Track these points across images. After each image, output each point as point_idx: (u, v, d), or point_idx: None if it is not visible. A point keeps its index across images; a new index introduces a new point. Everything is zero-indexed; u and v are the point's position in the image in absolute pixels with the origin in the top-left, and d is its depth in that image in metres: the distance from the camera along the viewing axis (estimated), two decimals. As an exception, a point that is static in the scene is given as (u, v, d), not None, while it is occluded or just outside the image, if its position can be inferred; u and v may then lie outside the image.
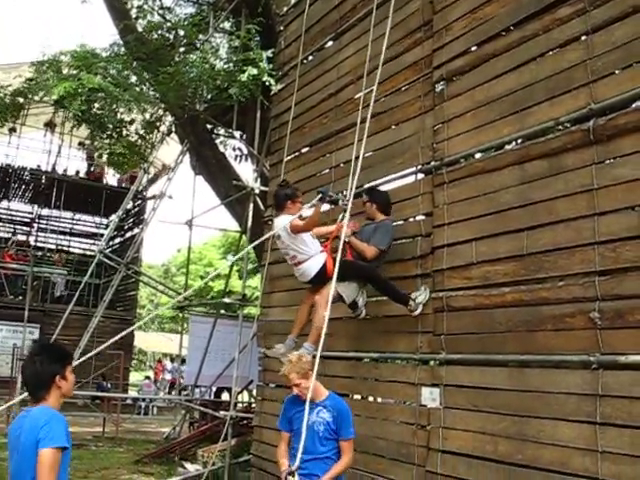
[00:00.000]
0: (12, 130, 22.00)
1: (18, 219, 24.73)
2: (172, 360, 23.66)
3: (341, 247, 4.83)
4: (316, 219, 5.55)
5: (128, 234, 24.92)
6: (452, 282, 5.54)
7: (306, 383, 4.40)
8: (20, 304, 19.45)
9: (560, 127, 4.81)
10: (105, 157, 12.33)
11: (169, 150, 15.88)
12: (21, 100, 10.15)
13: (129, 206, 24.22)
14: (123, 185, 23.23)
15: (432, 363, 5.64)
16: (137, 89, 9.13)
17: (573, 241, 4.55)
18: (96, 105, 8.77)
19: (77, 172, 23.52)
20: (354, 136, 6.63)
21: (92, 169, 23.11)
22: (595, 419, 4.22)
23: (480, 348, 5.18)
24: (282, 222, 5.61)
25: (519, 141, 5.19)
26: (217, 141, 12.05)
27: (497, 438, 4.90)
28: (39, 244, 24.14)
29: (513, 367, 4.94)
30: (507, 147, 5.31)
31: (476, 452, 5.05)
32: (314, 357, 4.91)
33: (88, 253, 24.22)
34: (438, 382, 5.52)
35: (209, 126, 11.83)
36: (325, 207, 6.36)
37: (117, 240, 25.74)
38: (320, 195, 5.42)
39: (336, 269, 4.67)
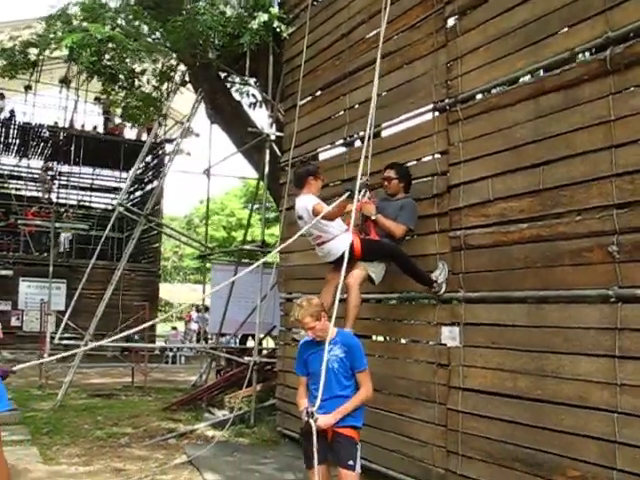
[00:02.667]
0: (28, 88, 21.98)
1: (37, 177, 24.88)
2: (198, 310, 23.94)
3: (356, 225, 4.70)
4: (339, 212, 5.36)
5: (148, 187, 25.02)
6: (469, 220, 5.50)
7: (320, 325, 4.44)
8: (46, 261, 19.73)
9: (576, 58, 4.67)
10: (120, 110, 12.23)
11: (186, 101, 15.78)
12: (32, 53, 10.03)
13: (148, 159, 24.33)
14: (141, 138, 23.18)
15: (451, 302, 5.64)
16: (148, 39, 9.02)
17: (590, 174, 4.47)
18: (106, 56, 8.68)
19: (94, 127, 23.49)
20: (367, 77, 6.58)
21: (109, 123, 23.02)
22: (614, 353, 4.21)
23: (498, 285, 5.18)
24: (304, 203, 5.50)
25: (534, 75, 5.06)
26: (231, 89, 11.90)
27: (516, 374, 4.93)
28: (61, 200, 24.27)
29: (531, 303, 4.93)
30: (522, 81, 5.17)
31: (496, 389, 5.10)
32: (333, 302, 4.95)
33: (109, 207, 24.36)
34: (457, 321, 5.54)
35: (223, 74, 11.68)
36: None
37: (138, 193, 25.91)
38: (348, 192, 5.22)
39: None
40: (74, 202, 24.72)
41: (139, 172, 25.69)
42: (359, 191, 5.18)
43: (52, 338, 12.38)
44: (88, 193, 25.69)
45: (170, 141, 22.74)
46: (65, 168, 24.41)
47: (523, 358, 4.88)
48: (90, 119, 23.93)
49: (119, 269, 12.20)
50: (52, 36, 8.73)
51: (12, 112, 22.34)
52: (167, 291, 31.64)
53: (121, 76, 9.43)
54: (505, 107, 5.21)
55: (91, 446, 8.19)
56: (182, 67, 11.42)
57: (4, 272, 19.83)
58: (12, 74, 10.17)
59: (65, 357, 10.20)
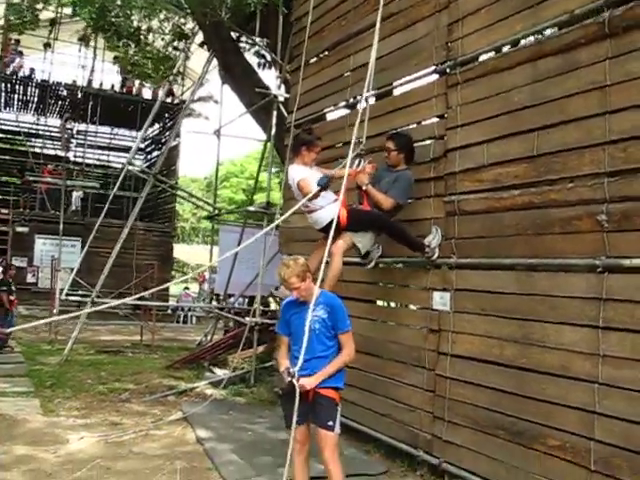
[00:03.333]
0: (47, 45, 21.97)
1: (55, 135, 24.98)
2: (213, 271, 24.09)
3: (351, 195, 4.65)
4: (315, 198, 5.27)
5: (165, 147, 24.99)
6: (464, 185, 5.42)
7: (305, 285, 4.42)
8: (64, 219, 19.92)
9: (575, 21, 4.52)
10: (129, 67, 12.17)
11: (202, 62, 15.69)
12: (49, 9, 9.92)
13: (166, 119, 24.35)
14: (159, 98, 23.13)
15: (443, 267, 5.59)
16: (157, -5, 8.90)
17: (583, 141, 4.37)
18: (112, 13, 8.59)
19: (112, 86, 23.44)
20: (370, 38, 6.44)
21: (126, 82, 22.96)
22: (598, 323, 4.16)
23: (489, 252, 5.12)
24: (293, 174, 5.50)
25: (532, 38, 4.92)
26: (242, 49, 11.80)
27: (503, 342, 4.91)
28: (78, 159, 24.39)
29: (521, 271, 4.87)
30: (521, 44, 5.04)
31: (483, 356, 5.08)
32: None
33: (115, 166, 24.38)
34: (448, 286, 5.51)
35: (235, 34, 11.56)
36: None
37: (155, 154, 25.94)
38: (319, 188, 5.13)
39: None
40: (90, 161, 24.83)
41: (156, 133, 25.76)
42: (353, 160, 5.22)
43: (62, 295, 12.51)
44: (105, 152, 25.76)
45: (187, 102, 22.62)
46: (83, 127, 24.47)
47: (511, 326, 4.84)
48: (109, 78, 23.92)
49: (127, 227, 12.20)
50: (55, -10, 8.64)
51: (32, 70, 22.34)
52: (184, 252, 31.89)
53: (124, 32, 9.33)
54: (503, 71, 5.10)
55: (92, 400, 8.35)
56: (193, 26, 11.29)
57: (20, 229, 20.07)
58: (21, 30, 10.12)
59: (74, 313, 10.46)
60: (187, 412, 7.58)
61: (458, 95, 5.54)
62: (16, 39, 20.65)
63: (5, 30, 19.60)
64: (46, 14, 15.41)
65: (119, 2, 8.15)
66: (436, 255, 5.55)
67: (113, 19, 8.71)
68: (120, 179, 12.89)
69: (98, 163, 25.40)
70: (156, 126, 25.48)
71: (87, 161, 24.73)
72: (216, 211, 14.04)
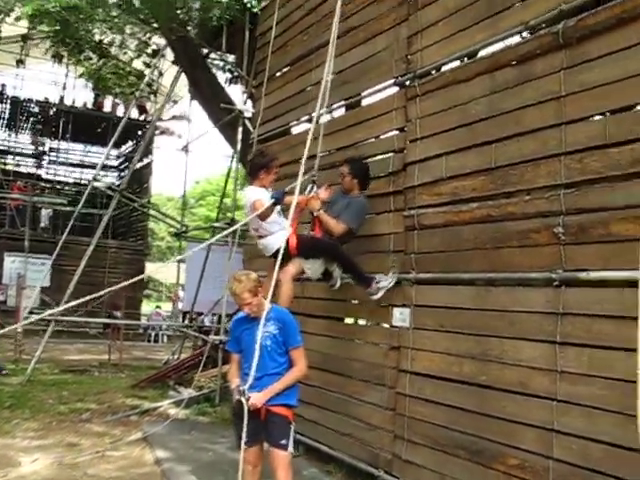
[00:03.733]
0: (19, 62, 21.74)
1: (27, 152, 24.65)
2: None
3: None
4: (268, 214, 5.16)
5: (138, 165, 24.78)
6: (423, 199, 5.33)
7: (257, 300, 4.30)
8: (32, 236, 19.60)
9: (531, 32, 4.48)
10: (93, 82, 12.02)
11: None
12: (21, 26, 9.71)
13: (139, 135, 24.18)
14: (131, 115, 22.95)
15: (403, 283, 5.47)
16: (120, 9, 8.75)
17: (539, 152, 4.29)
18: (72, 26, 8.41)
19: (85, 103, 23.24)
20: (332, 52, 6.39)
21: (98, 99, 22.77)
22: (555, 338, 4.06)
23: (448, 267, 5.02)
24: (248, 195, 5.36)
25: (490, 49, 4.87)
26: (211, 65, 11.70)
27: (462, 359, 4.79)
28: (49, 176, 24.09)
29: (480, 286, 4.77)
30: (479, 55, 4.99)
31: (442, 373, 4.96)
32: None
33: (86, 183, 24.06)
34: (408, 302, 5.39)
35: (204, 50, 11.47)
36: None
37: (127, 171, 25.70)
38: (273, 200, 5.04)
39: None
40: (63, 178, 24.54)
41: (129, 150, 25.56)
42: (306, 186, 5.24)
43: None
44: (78, 170, 25.47)
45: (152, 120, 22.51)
46: (54, 144, 24.17)
47: (469, 342, 4.73)
48: (82, 95, 23.70)
49: (92, 244, 11.96)
50: (7, 4, 8.43)
51: (2, 86, 22.09)
52: (160, 271, 31.48)
53: (86, 46, 9.18)
54: (461, 82, 5.03)
55: (51, 421, 8.10)
56: (165, 44, 11.18)
57: (-12, 247, 19.71)
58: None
59: (40, 332, 10.21)
60: (147, 432, 7.36)
61: (417, 108, 5.46)
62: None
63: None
64: (18, 30, 15.29)
65: (80, 15, 7.99)
66: (378, 296, 5.41)
67: (74, 32, 8.55)
68: (85, 195, 12.67)
69: (70, 181, 25.07)
70: (130, 143, 25.31)
71: (59, 178, 24.41)
72: (183, 228, 13.86)
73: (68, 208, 20.78)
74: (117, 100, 22.45)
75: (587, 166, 3.97)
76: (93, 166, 26.09)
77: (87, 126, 22.47)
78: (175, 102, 18.22)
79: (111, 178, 27.54)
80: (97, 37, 9.17)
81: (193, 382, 9.86)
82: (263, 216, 5.13)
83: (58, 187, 23.30)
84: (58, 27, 7.91)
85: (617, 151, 3.79)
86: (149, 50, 11.28)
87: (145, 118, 23.51)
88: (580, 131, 4.03)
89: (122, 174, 26.85)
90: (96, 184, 12.34)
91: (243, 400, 4.11)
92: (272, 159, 5.53)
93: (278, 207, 5.32)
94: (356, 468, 5.80)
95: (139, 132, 23.97)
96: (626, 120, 3.83)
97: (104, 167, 25.93)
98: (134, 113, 23.04)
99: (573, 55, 4.10)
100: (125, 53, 10.60)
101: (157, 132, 21.99)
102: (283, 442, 4.28)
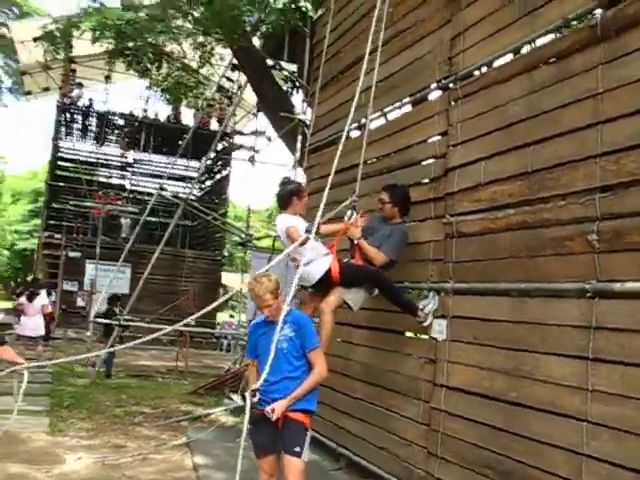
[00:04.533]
0: (107, 77, 22.72)
1: (114, 164, 25.65)
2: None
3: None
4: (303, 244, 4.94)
5: (217, 176, 25.42)
6: (462, 205, 5.10)
7: (276, 303, 4.20)
8: (111, 244, 20.30)
9: (568, 26, 4.22)
10: (160, 91, 12.34)
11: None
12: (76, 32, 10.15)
13: (219, 147, 24.74)
14: (209, 128, 23.55)
15: (442, 294, 5.25)
16: (181, 19, 8.95)
17: (576, 154, 4.01)
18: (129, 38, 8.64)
19: (168, 117, 24.01)
20: (381, 58, 6.29)
21: (176, 112, 23.46)
22: (587, 354, 3.75)
23: (484, 276, 4.77)
24: (282, 223, 5.21)
25: (529, 47, 4.62)
26: (276, 75, 11.79)
27: (494, 373, 4.52)
28: (133, 187, 24.99)
29: (514, 296, 4.48)
30: (519, 54, 4.74)
31: (475, 388, 4.71)
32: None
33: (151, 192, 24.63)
34: (445, 314, 5.16)
35: (270, 61, 11.58)
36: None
37: (208, 182, 26.40)
38: (306, 234, 4.85)
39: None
40: (146, 189, 25.37)
41: (209, 162, 26.20)
42: (345, 212, 5.17)
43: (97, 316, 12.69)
44: (158, 180, 26.22)
45: (240, 133, 22.95)
46: (138, 156, 25.04)
47: (501, 356, 4.46)
48: (164, 108, 24.50)
49: (156, 252, 12.23)
50: (75, 20, 8.78)
51: (91, 100, 23.12)
52: (236, 280, 31.98)
53: (144, 57, 9.41)
54: (500, 83, 4.80)
55: (105, 422, 8.29)
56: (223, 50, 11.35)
57: (73, 254, 20.54)
58: (54, 54, 10.40)
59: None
60: (191, 438, 7.38)
61: (459, 111, 5.25)
62: (72, 69, 21.40)
63: (65, 62, 20.40)
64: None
65: (136, 27, 8.21)
66: (428, 322, 5.22)
67: (130, 44, 8.80)
68: (150, 205, 13.02)
69: (152, 191, 25.89)
70: (211, 155, 25.93)
71: (141, 189, 25.27)
72: (247, 237, 14.01)
73: (148, 218, 21.45)
74: (198, 113, 23.10)
75: (623, 167, 3.67)
76: (174, 177, 26.89)
77: (168, 138, 23.16)
78: (255, 115, 18.55)
79: (194, 190, 28.31)
80: (157, 48, 9.38)
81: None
82: (301, 244, 4.92)
83: (139, 197, 24.05)
84: (114, 40, 8.12)
85: (654, 150, 3.49)
86: (234, 65, 11.45)
87: (225, 129, 24.02)
88: (617, 130, 3.73)
89: (203, 185, 27.57)
90: (162, 193, 12.54)
91: (267, 410, 4.04)
92: (300, 185, 5.52)
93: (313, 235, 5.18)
94: (392, 484, 5.59)
95: (218, 144, 24.50)
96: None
97: (185, 178, 26.75)
98: (214, 125, 23.66)
99: (611, 49, 3.82)
100: (187, 64, 10.80)
101: (235, 145, 22.42)
102: (297, 449, 4.15)
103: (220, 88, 20.01)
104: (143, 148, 23.66)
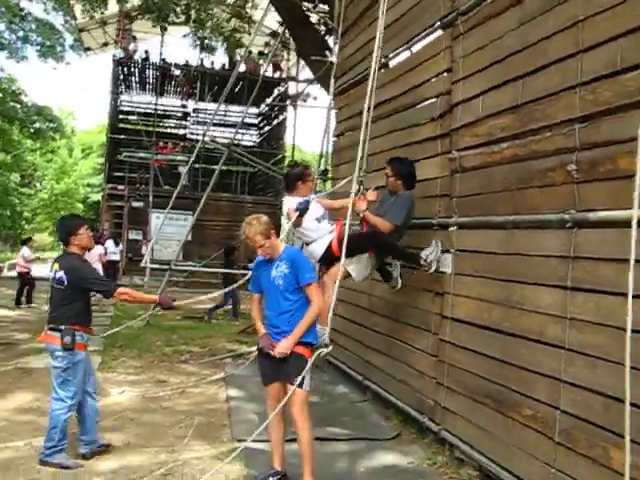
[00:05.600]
0: (163, 29, 22.95)
1: (173, 114, 26.13)
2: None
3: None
4: (298, 223, 5.31)
5: (275, 122, 25.62)
6: (464, 141, 5.14)
7: (270, 242, 4.41)
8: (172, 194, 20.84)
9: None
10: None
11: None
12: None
13: (275, 94, 24.90)
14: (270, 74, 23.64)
15: (447, 228, 5.34)
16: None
17: (560, 85, 3.98)
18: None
19: (223, 65, 24.16)
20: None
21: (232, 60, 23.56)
22: (566, 284, 3.82)
23: (482, 210, 4.84)
24: (286, 204, 5.46)
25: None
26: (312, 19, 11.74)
27: (491, 305, 4.64)
28: (192, 136, 25.48)
29: (507, 229, 4.54)
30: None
31: (475, 320, 4.84)
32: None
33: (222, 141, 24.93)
34: (450, 248, 5.26)
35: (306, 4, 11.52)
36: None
37: (266, 129, 26.65)
38: (299, 212, 5.14)
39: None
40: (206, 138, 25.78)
41: (266, 109, 26.39)
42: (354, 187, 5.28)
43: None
44: (219, 129, 26.57)
45: (294, 79, 22.96)
46: (195, 105, 25.43)
47: (497, 287, 4.57)
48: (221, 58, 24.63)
49: (203, 197, 12.61)
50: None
51: (147, 53, 23.48)
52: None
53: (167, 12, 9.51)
54: (496, 16, 4.75)
55: (153, 360, 8.82)
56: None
57: (136, 204, 21.29)
58: (91, 10, 10.67)
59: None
60: (228, 373, 7.80)
61: (461, 47, 5.23)
62: (127, 23, 21.70)
63: (120, 17, 20.78)
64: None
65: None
66: (433, 268, 5.33)
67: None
68: (196, 151, 13.28)
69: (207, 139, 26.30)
70: (268, 100, 26.11)
71: (201, 137, 25.71)
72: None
73: (206, 165, 21.88)
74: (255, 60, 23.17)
75: (599, 96, 3.65)
76: (233, 125, 27.16)
77: (223, 86, 23.32)
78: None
79: (254, 136, 28.61)
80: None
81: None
82: (295, 224, 5.28)
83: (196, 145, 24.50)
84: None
85: (628, 77, 3.45)
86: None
87: (280, 75, 24.07)
88: (595, 58, 3.70)
89: (262, 132, 27.81)
90: (206, 139, 12.81)
91: (272, 352, 4.38)
92: (305, 169, 5.61)
93: (319, 213, 5.42)
94: (409, 414, 5.83)
95: (275, 90, 24.64)
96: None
97: (245, 125, 27.03)
98: (269, 71, 23.67)
99: (593, -28, 3.74)
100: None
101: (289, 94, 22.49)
102: (298, 380, 4.41)
103: (273, 34, 20.02)
104: (200, 97, 23.95)
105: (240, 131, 26.66)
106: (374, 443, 5.54)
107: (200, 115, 25.59)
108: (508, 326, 4.39)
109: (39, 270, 16.52)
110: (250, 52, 21.30)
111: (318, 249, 5.44)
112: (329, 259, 5.41)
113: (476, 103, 4.95)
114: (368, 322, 6.89)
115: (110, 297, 4.91)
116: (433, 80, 5.77)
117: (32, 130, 25.53)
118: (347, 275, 5.46)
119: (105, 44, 24.48)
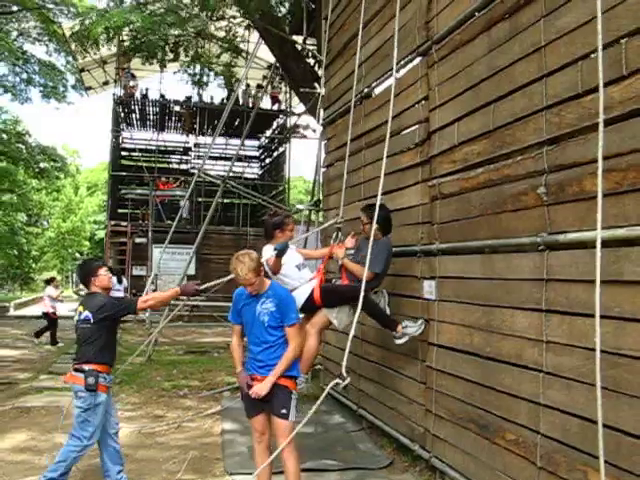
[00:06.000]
0: (162, 66, 23.29)
1: (174, 149, 26.36)
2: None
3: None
4: (277, 266, 5.17)
5: (275, 154, 25.82)
6: (443, 167, 5.18)
7: (259, 280, 4.41)
8: (175, 227, 20.96)
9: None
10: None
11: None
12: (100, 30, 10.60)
13: (274, 126, 25.14)
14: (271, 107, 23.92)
15: (430, 255, 5.36)
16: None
17: (527, 109, 4.04)
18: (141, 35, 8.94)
19: (222, 99, 24.43)
20: (375, 28, 6.41)
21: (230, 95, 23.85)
22: (541, 306, 3.83)
23: (461, 236, 4.86)
24: (264, 254, 5.32)
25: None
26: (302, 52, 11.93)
27: (472, 330, 4.64)
28: (194, 170, 25.65)
29: (485, 254, 4.57)
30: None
31: (459, 345, 4.83)
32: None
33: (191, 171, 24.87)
34: (434, 274, 5.27)
35: (295, 37, 11.73)
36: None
37: (267, 161, 26.84)
38: (276, 252, 5.04)
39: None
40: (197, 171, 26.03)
41: (266, 141, 26.64)
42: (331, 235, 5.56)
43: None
44: (220, 162, 26.79)
45: (292, 113, 23.19)
46: (196, 139, 25.68)
47: (477, 312, 4.57)
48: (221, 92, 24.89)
49: (200, 231, 12.68)
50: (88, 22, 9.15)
51: (146, 90, 23.80)
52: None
53: (156, 52, 9.71)
54: (466, 43, 4.82)
55: (151, 395, 8.79)
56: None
57: (139, 240, 21.40)
58: (84, 52, 10.91)
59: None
60: (224, 406, 7.78)
61: (436, 74, 5.31)
62: (125, 62, 22.03)
63: (118, 56, 21.12)
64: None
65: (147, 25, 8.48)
66: (402, 341, 5.36)
67: (142, 40, 9.10)
68: (192, 185, 13.40)
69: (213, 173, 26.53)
70: (268, 133, 26.37)
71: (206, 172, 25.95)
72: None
73: (207, 199, 21.97)
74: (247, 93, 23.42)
75: (564, 119, 3.69)
76: (228, 158, 27.36)
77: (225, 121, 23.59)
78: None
79: (255, 169, 28.82)
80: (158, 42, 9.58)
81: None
82: (273, 270, 5.19)
83: (198, 180, 24.67)
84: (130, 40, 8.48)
85: (589, 99, 3.49)
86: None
87: (279, 107, 24.32)
88: (557, 82, 3.75)
89: (263, 164, 28.02)
90: (202, 174, 12.92)
91: (250, 391, 4.42)
92: (285, 217, 5.52)
93: (299, 260, 5.45)
94: (402, 443, 5.79)
95: (274, 122, 24.89)
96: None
97: (246, 158, 27.26)
98: (267, 104, 23.97)
99: (551, 0, 3.81)
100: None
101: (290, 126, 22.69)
102: (283, 411, 4.42)
103: (270, 67, 20.30)
104: (200, 131, 24.19)
105: (242, 164, 26.96)
106: (366, 472, 5.53)
107: (201, 150, 25.79)
108: (489, 351, 4.39)
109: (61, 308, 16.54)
110: (248, 85, 21.56)
111: (300, 296, 5.32)
112: (311, 308, 5.40)
113: (452, 130, 5.00)
114: (360, 351, 6.87)
115: (139, 311, 4.89)
116: (412, 108, 5.83)
117: (37, 170, 25.86)
118: (329, 323, 5.50)
119: (106, 82, 24.82)
